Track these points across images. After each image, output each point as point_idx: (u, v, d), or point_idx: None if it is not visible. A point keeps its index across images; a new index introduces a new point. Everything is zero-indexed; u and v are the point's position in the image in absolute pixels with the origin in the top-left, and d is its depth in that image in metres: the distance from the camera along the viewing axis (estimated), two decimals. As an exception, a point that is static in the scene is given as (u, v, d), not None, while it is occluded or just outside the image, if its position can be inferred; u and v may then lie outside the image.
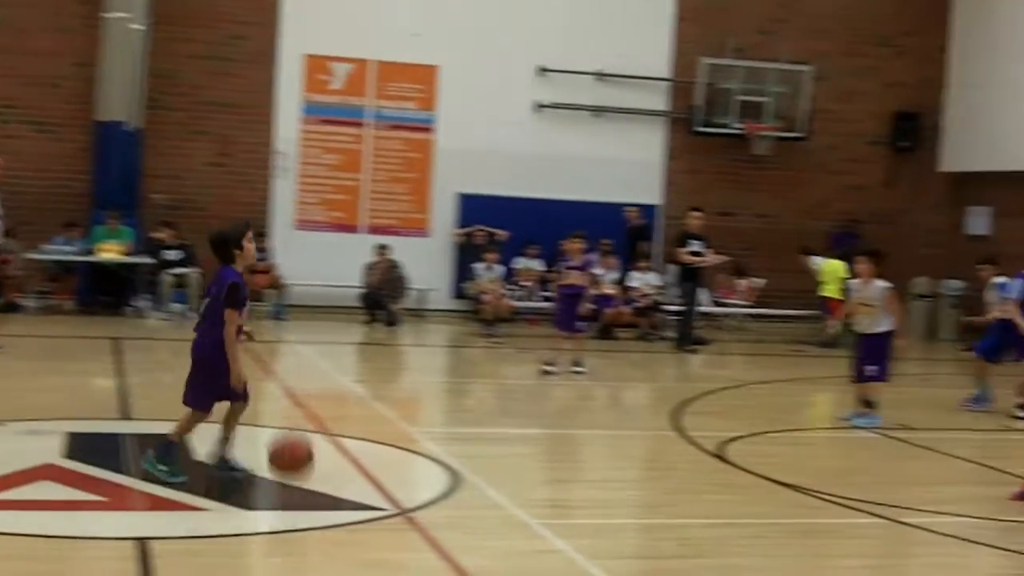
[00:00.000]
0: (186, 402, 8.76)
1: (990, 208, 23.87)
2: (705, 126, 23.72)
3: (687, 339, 19.36)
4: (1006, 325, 13.95)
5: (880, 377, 12.79)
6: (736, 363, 19.04)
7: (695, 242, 19.37)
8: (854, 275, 13.34)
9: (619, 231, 22.47)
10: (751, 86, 23.68)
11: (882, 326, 12.77)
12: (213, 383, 8.61)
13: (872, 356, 12.73)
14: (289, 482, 8.54)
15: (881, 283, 12.84)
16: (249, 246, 8.73)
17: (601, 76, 23.51)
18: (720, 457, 10.76)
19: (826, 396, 15.61)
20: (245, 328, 8.84)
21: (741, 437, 11.68)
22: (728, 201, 23.78)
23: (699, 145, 23.98)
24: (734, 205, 23.98)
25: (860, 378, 12.85)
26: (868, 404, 12.82)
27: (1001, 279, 14.11)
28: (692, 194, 22.83)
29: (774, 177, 24.41)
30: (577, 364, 15.68)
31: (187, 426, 8.80)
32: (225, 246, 8.69)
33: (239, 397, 8.71)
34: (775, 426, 12.62)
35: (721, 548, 7.97)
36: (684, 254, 19.33)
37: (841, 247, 21.37)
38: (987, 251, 16.84)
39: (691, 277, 19.56)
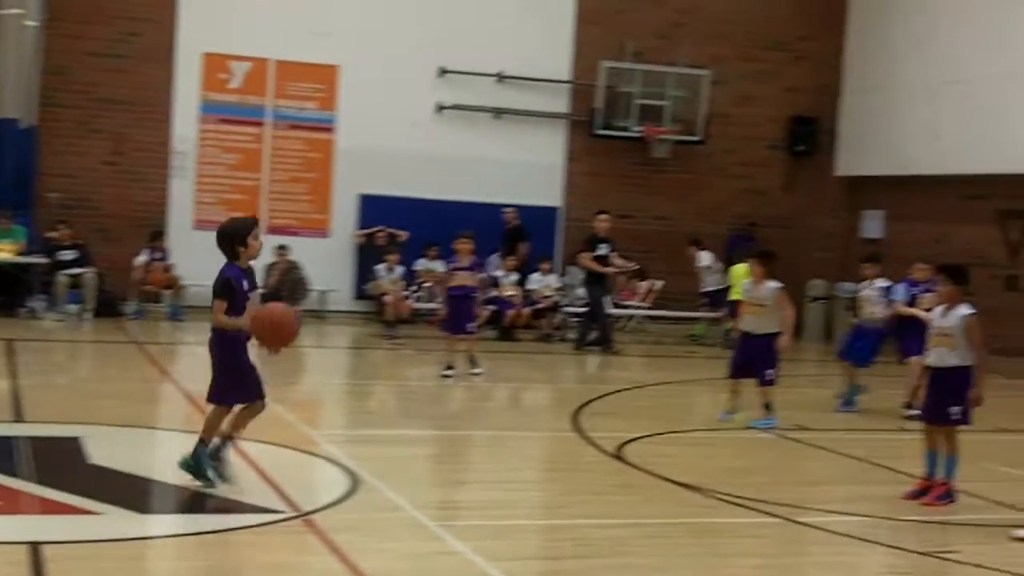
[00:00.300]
0: (210, 399, 8.75)
1: (884, 212, 24.28)
2: (605, 129, 23.87)
3: (608, 342, 19.47)
4: (872, 330, 14.23)
5: (774, 379, 12.95)
6: (635, 364, 19.17)
7: (602, 245, 19.47)
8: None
9: (497, 232, 22.38)
10: (650, 89, 23.86)
11: (772, 327, 12.92)
12: (239, 382, 8.63)
13: (769, 359, 12.86)
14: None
15: (773, 284, 13.00)
16: (255, 243, 8.61)
17: (502, 78, 23.56)
18: (619, 458, 10.83)
19: (724, 397, 15.72)
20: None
21: (640, 438, 11.75)
22: (627, 204, 23.91)
23: (599, 148, 24.12)
24: (633, 208, 24.12)
25: (760, 381, 12.95)
26: (766, 406, 12.96)
27: (885, 282, 14.32)
28: (592, 196, 22.98)
29: (672, 180, 24.64)
30: (473, 364, 15.68)
31: (233, 423, 8.78)
32: (229, 242, 8.57)
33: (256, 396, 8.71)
34: (673, 427, 12.72)
35: (619, 548, 8.01)
36: (590, 259, 19.41)
37: (736, 250, 21.57)
38: (870, 250, 17.14)
39: (598, 280, 19.64)
